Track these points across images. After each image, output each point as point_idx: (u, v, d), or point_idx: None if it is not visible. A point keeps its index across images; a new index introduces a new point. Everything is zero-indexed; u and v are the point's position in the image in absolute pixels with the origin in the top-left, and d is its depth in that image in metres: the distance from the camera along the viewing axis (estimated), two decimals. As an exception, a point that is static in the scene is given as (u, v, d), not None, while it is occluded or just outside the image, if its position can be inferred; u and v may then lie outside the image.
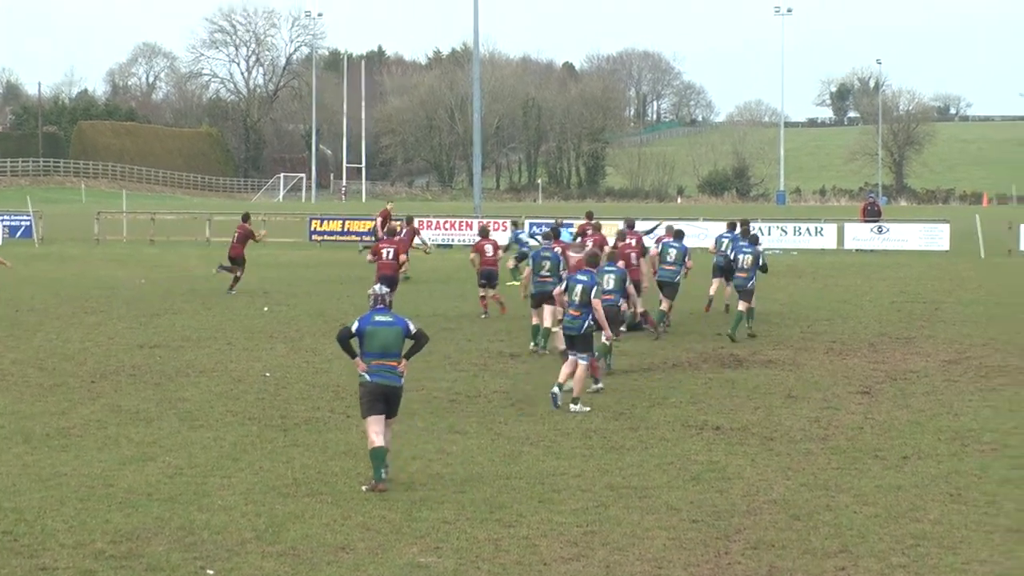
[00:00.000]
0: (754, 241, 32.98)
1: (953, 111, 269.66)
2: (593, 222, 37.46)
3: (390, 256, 34.45)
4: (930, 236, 67.45)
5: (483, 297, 35.38)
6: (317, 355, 27.91)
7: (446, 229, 70.38)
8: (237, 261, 41.83)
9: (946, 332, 32.84)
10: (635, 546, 14.31)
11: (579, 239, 33.70)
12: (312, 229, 71.98)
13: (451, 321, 34.48)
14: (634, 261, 31.25)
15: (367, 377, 17.04)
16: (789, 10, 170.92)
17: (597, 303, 22.37)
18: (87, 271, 50.83)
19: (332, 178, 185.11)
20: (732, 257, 33.55)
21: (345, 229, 71.02)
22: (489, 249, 35.60)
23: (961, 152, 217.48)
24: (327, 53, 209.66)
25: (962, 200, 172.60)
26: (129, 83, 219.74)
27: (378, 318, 17.23)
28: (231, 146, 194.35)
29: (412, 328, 17.35)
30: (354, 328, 17.23)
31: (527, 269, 30.64)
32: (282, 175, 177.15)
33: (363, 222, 70.64)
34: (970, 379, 25.47)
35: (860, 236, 67.99)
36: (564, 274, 27.99)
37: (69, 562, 13.55)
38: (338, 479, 17.10)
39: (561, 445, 19.27)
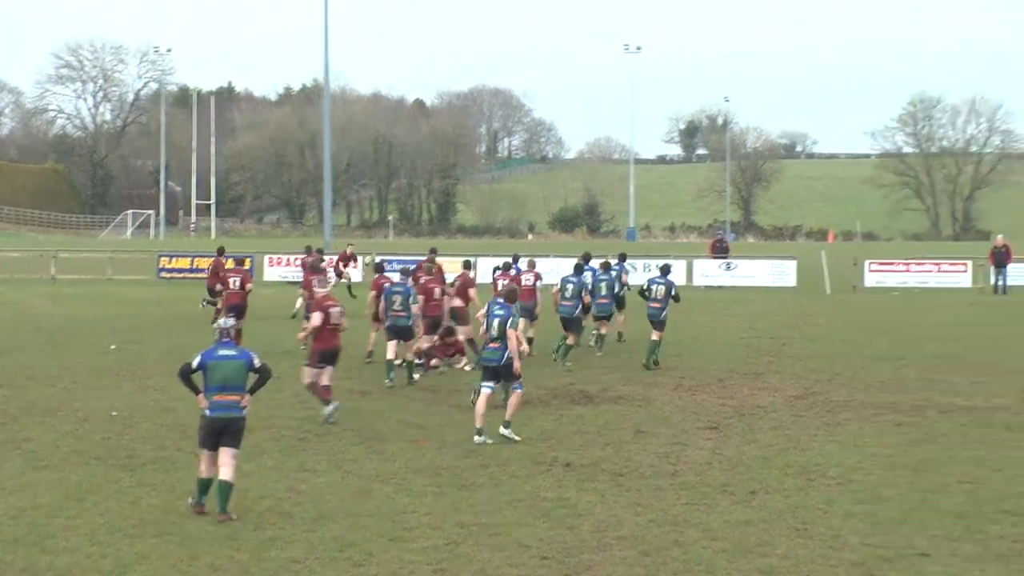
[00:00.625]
0: (666, 272, 34.46)
1: (800, 148, 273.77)
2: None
3: (237, 286, 34.80)
4: (777, 272, 68.48)
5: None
6: (165, 393, 27.59)
7: (296, 266, 69.87)
8: (215, 293, 41.25)
9: (793, 368, 33.31)
10: (486, 584, 14.30)
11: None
12: (160, 266, 71.16)
13: (300, 359, 34.16)
14: (436, 296, 32.08)
15: (207, 412, 17.20)
16: (639, 48, 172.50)
17: (512, 334, 23.11)
18: (-73, 309, 49.79)
19: (181, 215, 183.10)
20: (624, 289, 37.07)
21: (194, 266, 70.19)
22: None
23: (807, 189, 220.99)
24: (176, 89, 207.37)
25: (808, 237, 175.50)
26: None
27: (221, 352, 17.32)
28: (78, 182, 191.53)
29: (256, 362, 17.38)
30: (195, 363, 17.35)
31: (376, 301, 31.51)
32: (130, 212, 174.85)
33: (212, 259, 69.94)
34: (816, 414, 25.83)
35: (709, 272, 68.83)
36: (415, 308, 29.62)
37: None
38: (186, 520, 16.91)
39: (411, 483, 19.22)
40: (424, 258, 40.51)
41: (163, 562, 14.98)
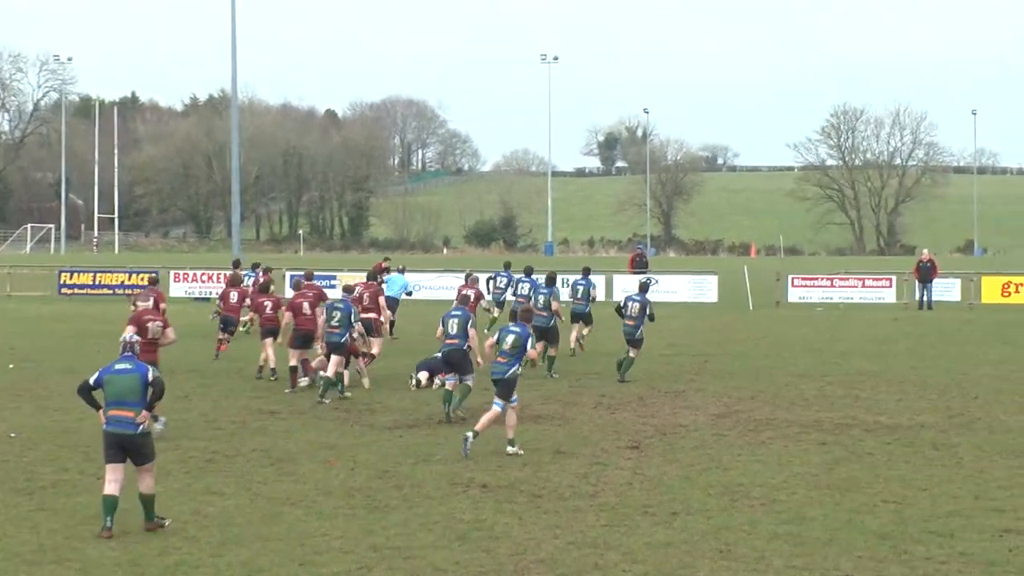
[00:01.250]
0: (644, 290, 35.16)
1: (721, 161, 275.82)
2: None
3: (149, 304, 34.52)
4: (699, 288, 68.77)
5: (221, 341, 37.99)
6: (66, 414, 27.31)
7: (203, 281, 69.55)
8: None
9: (715, 385, 33.45)
10: (400, 609, 14.25)
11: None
12: (62, 282, 70.41)
13: (208, 377, 34.10)
14: (306, 311, 32.04)
15: (104, 426, 17.33)
16: (556, 58, 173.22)
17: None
18: None
19: (83, 229, 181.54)
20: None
21: (97, 282, 69.63)
22: (234, 296, 37.69)
23: (729, 202, 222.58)
24: (77, 99, 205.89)
25: (730, 251, 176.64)
26: None
27: (118, 366, 17.52)
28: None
29: (151, 375, 17.38)
30: (94, 379, 17.56)
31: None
32: (29, 226, 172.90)
33: (115, 275, 69.56)
34: (739, 433, 25.94)
35: (629, 288, 68.90)
36: (358, 325, 30.84)
37: None
38: (88, 545, 16.74)
39: (323, 505, 19.13)
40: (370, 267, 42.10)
41: (63, 589, 14.81)
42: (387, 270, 48.04)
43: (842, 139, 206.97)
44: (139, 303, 36.04)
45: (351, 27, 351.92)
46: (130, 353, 17.70)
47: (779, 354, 41.41)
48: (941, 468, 22.32)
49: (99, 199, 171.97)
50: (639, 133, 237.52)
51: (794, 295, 67.59)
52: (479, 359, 27.25)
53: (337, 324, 30.15)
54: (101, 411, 17.44)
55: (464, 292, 37.86)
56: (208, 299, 65.76)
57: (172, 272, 70.95)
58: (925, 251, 68.71)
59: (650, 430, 26.22)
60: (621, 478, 21.31)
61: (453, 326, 27.21)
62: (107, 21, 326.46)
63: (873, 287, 68.24)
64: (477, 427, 23.44)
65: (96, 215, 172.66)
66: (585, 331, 40.67)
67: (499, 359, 23.95)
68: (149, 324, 25.02)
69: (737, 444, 24.64)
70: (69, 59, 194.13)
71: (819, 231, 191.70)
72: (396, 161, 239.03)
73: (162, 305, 35.35)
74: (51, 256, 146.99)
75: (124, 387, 17.31)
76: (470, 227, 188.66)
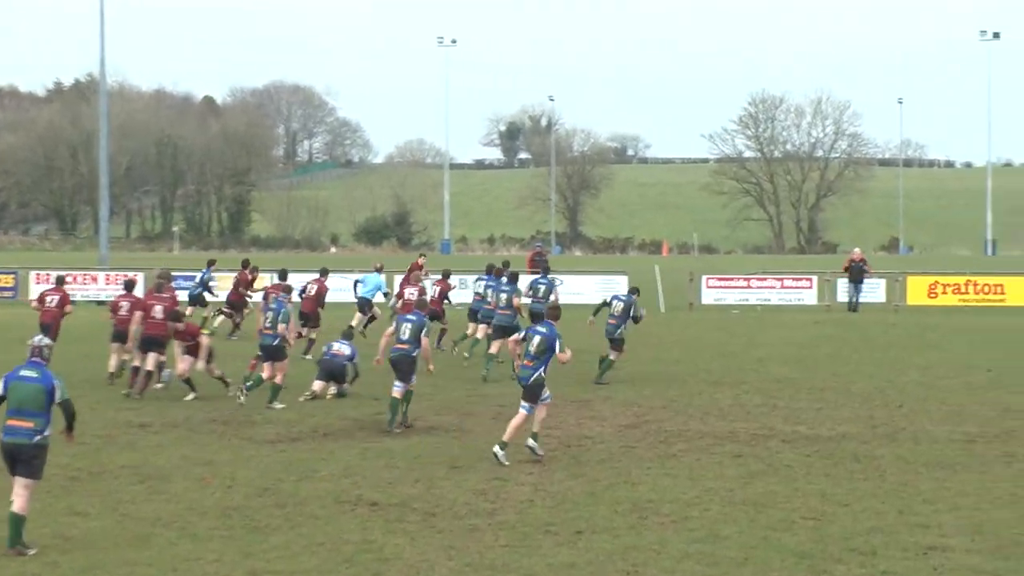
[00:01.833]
0: (633, 291, 38.09)
1: (631, 153, 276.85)
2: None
3: (54, 304, 36.77)
4: (607, 288, 68.73)
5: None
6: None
7: (68, 283, 68.68)
8: (236, 305, 48.28)
9: (624, 394, 33.57)
10: (280, 639, 14.19)
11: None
12: (-91, 283, 69.54)
13: (73, 388, 33.57)
14: (157, 314, 32.74)
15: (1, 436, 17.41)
16: (453, 41, 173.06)
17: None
18: None
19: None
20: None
21: (-50, 283, 68.84)
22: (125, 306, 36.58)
23: (640, 197, 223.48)
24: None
25: (641, 249, 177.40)
26: None
27: (23, 372, 17.73)
28: None
29: (59, 395, 17.50)
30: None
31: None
32: None
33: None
34: (649, 445, 26.05)
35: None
36: (290, 324, 31.51)
37: None
38: (-63, 572, 16.55)
39: (197, 526, 19.01)
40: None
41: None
42: (421, 268, 50.21)
43: (760, 129, 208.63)
44: (46, 301, 36.77)
45: (231, 5, 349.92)
46: (38, 359, 17.74)
47: (692, 360, 41.63)
48: (863, 481, 22.53)
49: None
50: (543, 122, 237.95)
51: (708, 296, 67.95)
52: (431, 366, 28.70)
53: (270, 325, 30.81)
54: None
55: (407, 292, 40.68)
56: (74, 302, 65.13)
57: (33, 273, 70.03)
58: (857, 250, 69.38)
59: (553, 442, 26.25)
60: (521, 494, 21.34)
61: (406, 331, 27.75)
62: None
63: (793, 288, 68.78)
64: (505, 437, 24.08)
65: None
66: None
67: (525, 362, 24.70)
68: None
69: (646, 457, 24.74)
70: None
71: (736, 228, 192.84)
72: (280, 152, 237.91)
73: (67, 307, 36.30)
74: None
75: (25, 395, 17.45)
76: (360, 224, 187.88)
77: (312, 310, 41.97)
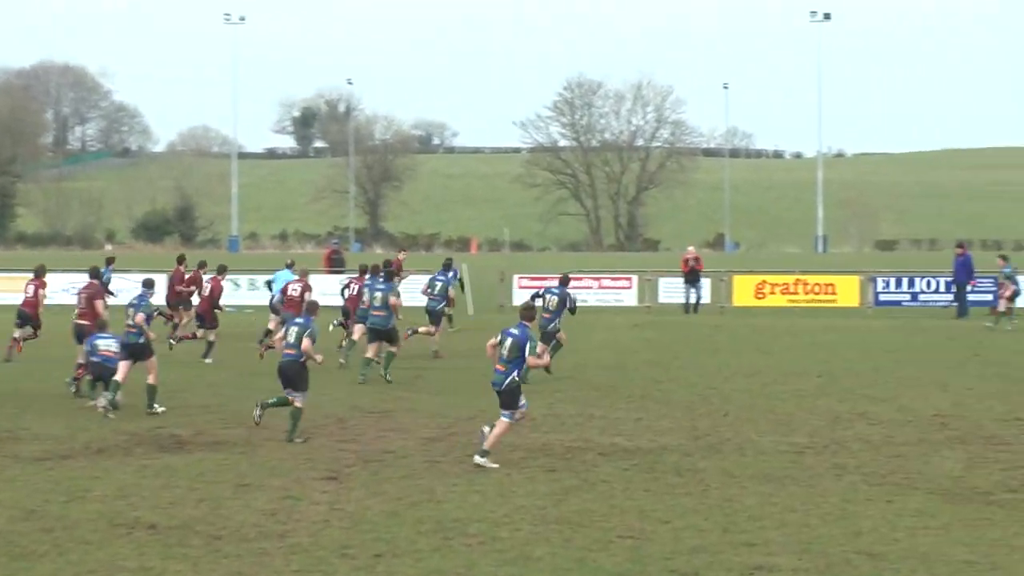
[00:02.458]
0: (564, 283, 39.80)
1: (437, 141, 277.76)
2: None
3: (31, 294, 40.22)
4: (410, 289, 68.89)
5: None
6: None
7: None
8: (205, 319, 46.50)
9: (428, 404, 33.57)
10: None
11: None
12: None
13: None
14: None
15: None
16: (242, 18, 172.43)
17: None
18: None
19: None
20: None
21: None
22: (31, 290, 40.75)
23: (446, 190, 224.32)
24: None
25: (448, 246, 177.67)
26: None
27: None
28: None
29: None
30: None
31: None
32: None
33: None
34: (455, 460, 26.08)
35: (328, 290, 68.80)
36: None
37: None
38: None
39: (-46, 554, 18.72)
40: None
41: None
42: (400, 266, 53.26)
43: (577, 116, 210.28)
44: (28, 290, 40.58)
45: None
46: None
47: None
48: (685, 497, 22.76)
49: None
50: (341, 108, 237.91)
51: (521, 297, 68.14)
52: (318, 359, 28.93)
53: (133, 324, 31.38)
54: None
55: (291, 289, 42.23)
56: None
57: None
58: (691, 248, 70.08)
59: (351, 457, 26.22)
60: (316, 514, 21.27)
61: (292, 334, 28.43)
62: None
63: (611, 288, 69.36)
64: (486, 445, 25.06)
65: None
66: (423, 329, 44.50)
67: (498, 367, 25.73)
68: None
69: (452, 472, 24.78)
70: None
71: (550, 223, 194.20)
72: (49, 139, 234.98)
73: (41, 291, 40.80)
74: None
75: None
76: (139, 218, 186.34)
77: (207, 310, 43.47)
